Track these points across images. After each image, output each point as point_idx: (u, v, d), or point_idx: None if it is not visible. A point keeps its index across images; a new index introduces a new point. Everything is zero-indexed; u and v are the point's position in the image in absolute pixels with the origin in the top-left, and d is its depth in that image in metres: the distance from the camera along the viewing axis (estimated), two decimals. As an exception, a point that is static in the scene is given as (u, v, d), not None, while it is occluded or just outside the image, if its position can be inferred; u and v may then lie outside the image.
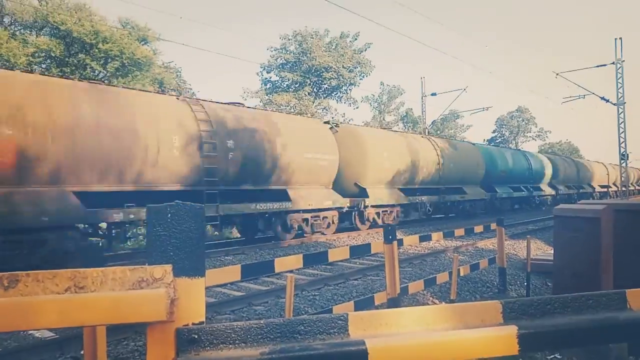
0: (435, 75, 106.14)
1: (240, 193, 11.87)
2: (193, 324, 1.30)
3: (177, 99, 11.41)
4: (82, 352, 4.55)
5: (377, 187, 15.77)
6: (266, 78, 35.71)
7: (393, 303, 5.10)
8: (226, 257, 10.29)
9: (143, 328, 4.57)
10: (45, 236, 8.07)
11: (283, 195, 12.74)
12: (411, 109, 48.73)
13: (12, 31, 20.58)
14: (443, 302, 6.82)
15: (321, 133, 14.51)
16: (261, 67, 35.21)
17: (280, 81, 35.29)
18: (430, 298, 7.02)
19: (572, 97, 28.06)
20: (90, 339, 3.27)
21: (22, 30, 21.92)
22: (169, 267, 1.29)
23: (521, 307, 1.51)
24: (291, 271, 5.87)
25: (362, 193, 15.15)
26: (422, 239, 6.55)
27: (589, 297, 1.53)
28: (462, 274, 7.06)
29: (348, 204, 14.64)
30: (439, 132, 47.01)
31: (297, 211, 13.00)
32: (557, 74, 25.19)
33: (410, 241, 6.86)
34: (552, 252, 6.57)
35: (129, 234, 10.43)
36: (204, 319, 1.32)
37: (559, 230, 5.37)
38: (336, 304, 6.10)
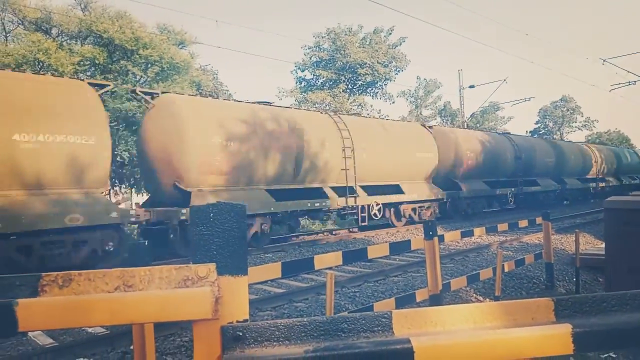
0: (474, 67, 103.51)
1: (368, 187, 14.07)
2: (237, 321, 1.31)
3: (321, 112, 14.29)
4: (131, 347, 4.73)
5: (469, 180, 17.96)
6: (300, 76, 35.86)
7: (435, 300, 5.01)
8: (266, 255, 10.42)
9: (188, 324, 4.70)
10: None
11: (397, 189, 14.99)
12: (449, 102, 47.72)
13: (59, 42, 21.57)
14: (487, 299, 6.64)
15: (422, 134, 16.76)
16: (295, 66, 35.39)
17: (314, 79, 35.33)
18: (474, 295, 6.85)
19: (621, 84, 26.69)
20: (139, 334, 3.39)
21: (68, 41, 22.94)
22: (212, 266, 1.31)
23: (575, 305, 1.44)
24: (330, 268, 5.87)
25: (456, 186, 17.30)
26: (464, 234, 6.40)
27: (649, 294, 1.44)
28: (506, 269, 6.85)
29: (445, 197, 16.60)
30: (478, 124, 45.80)
31: (408, 202, 15.19)
32: (604, 61, 24.01)
33: (452, 237, 6.71)
34: (603, 246, 6.26)
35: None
36: (247, 317, 1.34)
37: (610, 223, 5.12)
38: (377, 301, 6.05)
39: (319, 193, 12.77)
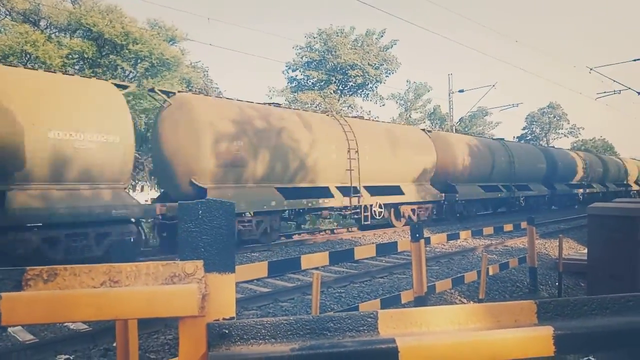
0: (463, 72, 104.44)
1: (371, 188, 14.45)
2: (224, 319, 1.31)
3: (327, 114, 14.66)
4: (114, 344, 4.68)
5: (465, 184, 18.58)
6: (292, 76, 35.84)
7: (420, 301, 5.05)
8: (253, 254, 10.39)
9: (173, 322, 4.66)
10: None
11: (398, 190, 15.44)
12: (439, 106, 48.06)
13: (47, 34, 21.26)
14: (471, 302, 6.70)
15: (422, 138, 17.28)
16: (287, 66, 35.36)
17: (305, 79, 35.35)
18: (458, 297, 6.91)
19: (607, 92, 27.11)
20: (122, 331, 3.35)
21: (57, 33, 22.62)
22: (200, 263, 1.31)
23: (557, 308, 1.46)
24: (317, 268, 5.88)
25: (452, 189, 17.80)
26: (450, 237, 6.46)
27: (629, 299, 1.47)
28: (491, 273, 6.93)
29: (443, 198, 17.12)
30: (466, 129, 46.20)
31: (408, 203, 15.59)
32: (590, 69, 24.35)
33: (438, 240, 6.77)
34: (586, 251, 6.37)
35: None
36: (234, 315, 1.34)
37: (593, 229, 5.21)
38: (362, 302, 6.08)
39: (325, 192, 13.07)
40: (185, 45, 26.61)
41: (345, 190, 13.53)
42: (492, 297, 7.03)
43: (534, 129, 62.58)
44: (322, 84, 34.11)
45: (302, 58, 34.85)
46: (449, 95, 29.80)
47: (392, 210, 15.44)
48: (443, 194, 17.14)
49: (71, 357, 4.49)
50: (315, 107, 31.24)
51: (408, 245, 5.14)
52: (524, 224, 7.52)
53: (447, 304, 6.47)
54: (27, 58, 18.77)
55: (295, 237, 13.30)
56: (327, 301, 6.34)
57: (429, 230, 13.33)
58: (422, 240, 5.08)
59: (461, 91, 29.65)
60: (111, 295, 1.17)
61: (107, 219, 8.44)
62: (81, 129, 8.23)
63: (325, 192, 13.08)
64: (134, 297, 1.19)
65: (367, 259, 8.87)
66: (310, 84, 34.98)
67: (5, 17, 21.66)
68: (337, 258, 4.96)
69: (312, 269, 6.09)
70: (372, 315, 1.36)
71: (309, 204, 12.42)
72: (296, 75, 35.72)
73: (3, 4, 20.87)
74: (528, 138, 59.17)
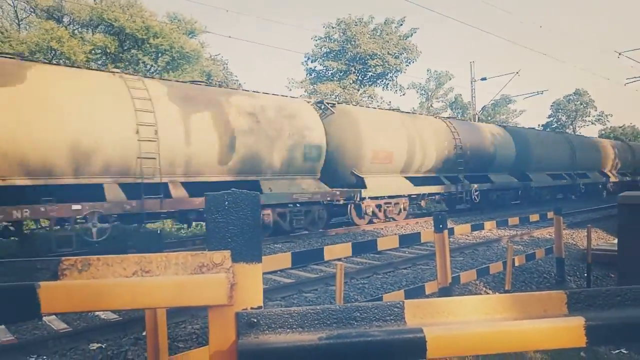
0: (486, 60, 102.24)
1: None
2: (251, 308, 1.33)
3: (435, 117, 18.22)
4: (143, 334, 4.80)
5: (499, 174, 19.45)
6: (310, 68, 35.73)
7: (444, 292, 5.01)
8: (275, 245, 10.48)
9: (199, 312, 4.74)
10: None
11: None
12: (460, 95, 47.28)
13: (71, 30, 21.68)
14: (496, 293, 6.63)
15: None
16: (305, 57, 35.26)
17: (324, 70, 35.20)
18: (483, 288, 6.85)
19: (637, 78, 26.22)
20: (152, 321, 3.44)
21: (79, 29, 23.05)
22: (227, 253, 1.32)
23: (588, 298, 1.43)
24: (340, 259, 5.89)
25: (487, 179, 18.72)
26: (474, 227, 6.39)
27: (664, 289, 1.43)
28: (516, 263, 6.83)
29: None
30: (489, 117, 45.37)
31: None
32: (619, 54, 23.61)
33: (462, 230, 6.70)
34: (616, 242, 6.21)
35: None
36: (262, 304, 1.35)
37: (624, 219, 5.07)
38: (386, 292, 6.08)
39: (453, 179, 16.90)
40: (204, 38, 26.80)
41: (454, 179, 17.00)
42: (518, 288, 6.94)
43: (559, 117, 61.03)
44: (341, 74, 33.92)
45: (321, 49, 34.69)
46: (471, 83, 29.28)
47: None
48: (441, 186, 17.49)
49: (103, 346, 4.63)
50: (335, 97, 31.11)
51: (431, 236, 5.10)
52: (550, 214, 7.37)
53: (473, 295, 6.42)
54: (52, 54, 19.20)
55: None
56: (350, 292, 6.36)
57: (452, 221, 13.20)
58: (446, 231, 5.03)
59: (483, 79, 29.10)
60: (143, 284, 1.20)
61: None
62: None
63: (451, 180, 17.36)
64: (165, 286, 1.22)
65: (390, 250, 8.85)
66: (329, 74, 34.82)
67: (30, 14, 22.16)
68: (359, 249, 4.96)
69: (335, 260, 6.12)
70: (398, 305, 1.36)
71: (439, 190, 16.74)
72: (315, 67, 35.62)
73: (27, 2, 21.34)
74: (554, 126, 57.77)
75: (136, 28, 21.03)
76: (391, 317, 1.35)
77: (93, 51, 21.07)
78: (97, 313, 5.59)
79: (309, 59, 35.29)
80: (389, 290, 6.38)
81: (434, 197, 16.66)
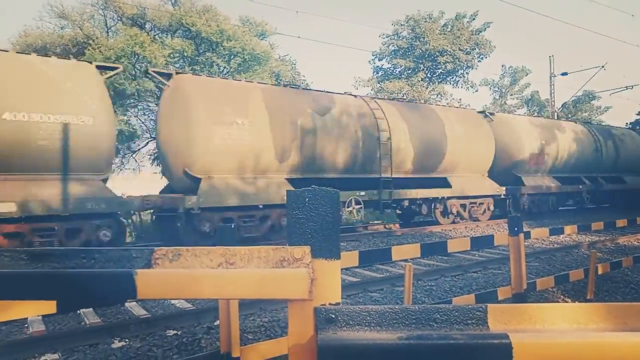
0: (567, 53, 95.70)
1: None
2: (330, 304, 1.34)
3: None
4: (215, 323, 5.02)
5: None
6: (377, 66, 35.41)
7: (519, 298, 4.77)
8: (340, 244, 10.51)
9: (267, 305, 4.85)
10: None
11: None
12: (537, 91, 44.57)
13: (152, 36, 23.11)
14: (577, 302, 6.19)
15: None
16: (373, 55, 34.98)
17: (392, 68, 34.73)
18: (561, 296, 6.43)
19: None
20: (225, 312, 3.59)
21: (160, 34, 24.49)
22: (307, 249, 1.34)
23: (697, 312, 1.30)
24: (406, 260, 5.80)
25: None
26: (552, 232, 6.02)
27: None
28: (600, 272, 6.35)
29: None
30: (570, 115, 42.45)
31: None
32: None
33: (538, 234, 6.34)
34: None
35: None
36: (340, 300, 1.36)
37: None
38: (455, 296, 5.90)
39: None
40: (274, 39, 27.43)
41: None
42: (600, 297, 6.44)
43: (650, 114, 55.72)
44: (409, 72, 33.30)
45: (388, 47, 34.26)
46: (550, 79, 27.58)
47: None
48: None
49: (179, 332, 4.90)
50: (403, 95, 30.63)
51: (505, 239, 4.87)
52: (640, 220, 6.77)
53: (549, 302, 6.04)
54: (135, 58, 20.58)
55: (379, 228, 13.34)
56: (417, 294, 6.24)
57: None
58: (522, 235, 4.79)
59: (564, 74, 27.28)
60: (228, 276, 1.25)
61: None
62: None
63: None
64: (248, 278, 1.26)
65: (458, 252, 8.58)
66: (397, 72, 34.31)
67: (117, 22, 23.89)
68: (429, 250, 4.85)
69: (402, 260, 6.03)
70: (481, 309, 1.31)
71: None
72: (382, 65, 35.24)
73: (115, 11, 23.04)
74: (644, 124, 52.88)
75: (211, 32, 21.99)
76: (473, 321, 1.31)
77: (172, 55, 22.31)
78: (172, 301, 5.93)
79: (376, 57, 35.00)
80: (459, 294, 6.18)
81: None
